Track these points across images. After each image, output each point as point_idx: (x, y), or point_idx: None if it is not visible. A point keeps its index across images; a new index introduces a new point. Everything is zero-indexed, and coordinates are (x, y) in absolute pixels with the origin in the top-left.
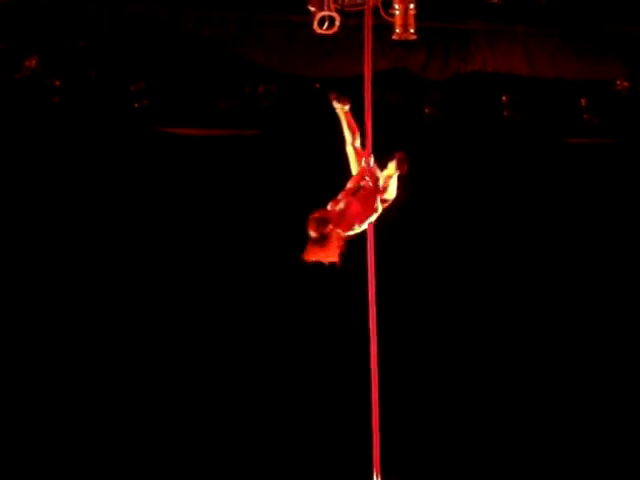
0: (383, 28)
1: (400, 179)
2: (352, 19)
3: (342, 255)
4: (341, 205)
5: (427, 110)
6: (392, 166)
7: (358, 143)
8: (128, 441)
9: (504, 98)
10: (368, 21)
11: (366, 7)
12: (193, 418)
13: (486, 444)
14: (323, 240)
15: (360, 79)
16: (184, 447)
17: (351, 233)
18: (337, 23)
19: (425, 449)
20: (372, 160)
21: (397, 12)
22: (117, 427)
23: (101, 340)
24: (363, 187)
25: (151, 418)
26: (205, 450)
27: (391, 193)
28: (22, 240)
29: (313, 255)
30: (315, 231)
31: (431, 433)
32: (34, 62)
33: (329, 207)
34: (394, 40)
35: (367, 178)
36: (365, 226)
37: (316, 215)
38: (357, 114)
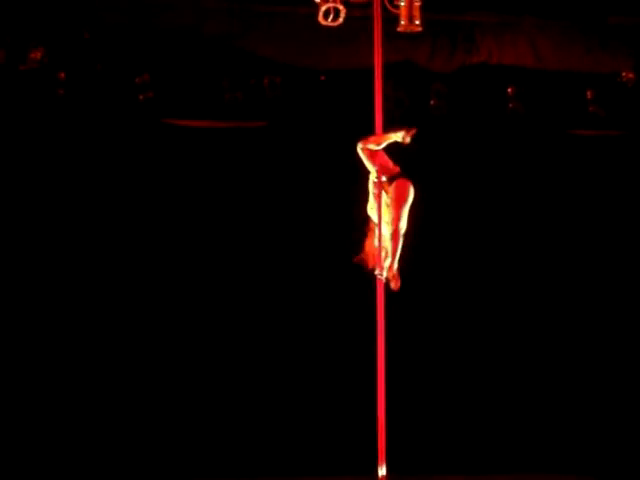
0: (388, 20)
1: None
2: (357, 11)
3: None
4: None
5: (433, 102)
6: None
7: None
8: (128, 440)
9: (510, 90)
10: (377, 12)
11: None
12: (197, 416)
13: (489, 434)
14: None
15: (365, 71)
16: (188, 440)
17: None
18: (342, 15)
19: (430, 440)
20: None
21: (402, 4)
22: (117, 426)
23: (103, 332)
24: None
25: (152, 417)
26: (212, 443)
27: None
28: (26, 231)
29: None
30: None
31: (436, 424)
32: (39, 54)
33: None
34: (399, 32)
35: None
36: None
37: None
38: (365, 106)
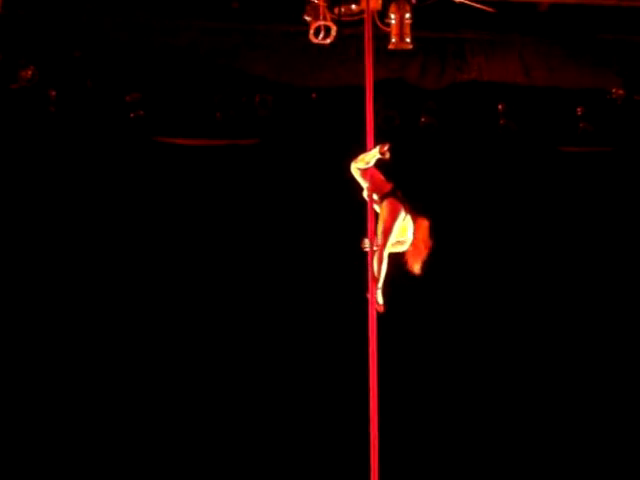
0: (379, 38)
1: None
2: (348, 29)
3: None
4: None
5: (423, 119)
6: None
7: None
8: (128, 441)
9: (500, 107)
10: (368, 30)
11: (366, 16)
12: (192, 420)
13: (485, 451)
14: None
15: (356, 89)
16: (182, 449)
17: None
18: (333, 33)
19: (423, 456)
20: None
21: (393, 22)
22: (117, 427)
23: (98, 351)
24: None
25: (150, 418)
26: (203, 453)
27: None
28: (18, 248)
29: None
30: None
31: (429, 440)
32: (30, 72)
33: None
34: (390, 50)
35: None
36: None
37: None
38: (356, 124)
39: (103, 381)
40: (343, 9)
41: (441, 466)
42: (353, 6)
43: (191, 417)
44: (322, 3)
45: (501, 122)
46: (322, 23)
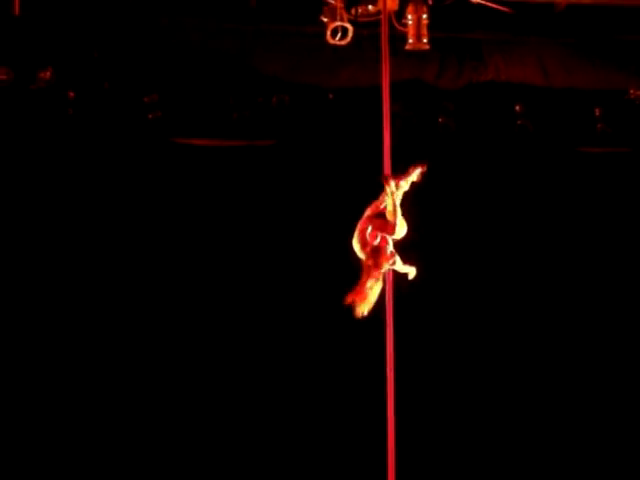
0: (396, 38)
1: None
2: (365, 29)
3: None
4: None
5: (441, 120)
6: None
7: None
8: (128, 441)
9: (517, 108)
10: (385, 31)
11: (383, 17)
12: (194, 424)
13: (501, 453)
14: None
15: (373, 89)
16: (186, 449)
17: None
18: (350, 34)
19: (439, 458)
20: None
21: (410, 22)
22: (117, 427)
23: (102, 353)
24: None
25: (151, 420)
26: (206, 454)
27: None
28: (34, 250)
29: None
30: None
31: (446, 442)
32: (48, 74)
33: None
34: (407, 50)
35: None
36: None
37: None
38: (373, 125)
39: (102, 381)
40: (360, 10)
41: (455, 464)
42: (370, 7)
43: (194, 418)
44: (339, 4)
45: (518, 123)
46: (339, 24)
